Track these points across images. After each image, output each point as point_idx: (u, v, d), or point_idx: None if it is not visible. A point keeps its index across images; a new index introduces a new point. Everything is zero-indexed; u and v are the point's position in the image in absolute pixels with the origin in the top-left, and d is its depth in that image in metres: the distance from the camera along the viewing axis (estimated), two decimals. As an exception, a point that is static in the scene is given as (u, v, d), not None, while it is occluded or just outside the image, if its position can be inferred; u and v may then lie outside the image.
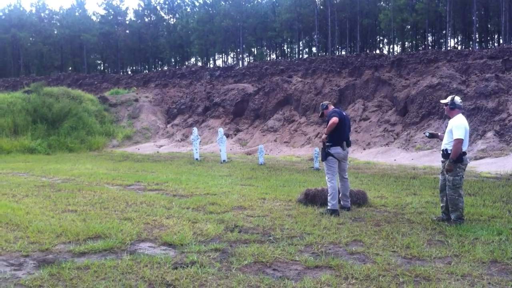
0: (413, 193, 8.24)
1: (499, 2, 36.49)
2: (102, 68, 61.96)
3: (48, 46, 54.30)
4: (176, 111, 28.51)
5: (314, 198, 6.86)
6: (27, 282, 3.55)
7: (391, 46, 47.82)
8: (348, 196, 6.61)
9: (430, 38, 45.67)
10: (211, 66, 44.39)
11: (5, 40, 52.89)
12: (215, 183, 9.37)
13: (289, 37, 49.41)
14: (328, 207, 6.22)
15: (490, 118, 16.96)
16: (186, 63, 53.77)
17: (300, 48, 52.55)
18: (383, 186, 9.23)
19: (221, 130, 17.05)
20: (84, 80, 36.72)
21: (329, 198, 6.25)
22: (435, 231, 5.28)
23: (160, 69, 51.86)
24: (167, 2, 60.98)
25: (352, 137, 18.65)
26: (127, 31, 58.36)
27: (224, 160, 15.80)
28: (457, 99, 5.84)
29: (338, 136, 6.38)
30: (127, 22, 60.01)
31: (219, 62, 56.36)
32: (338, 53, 46.53)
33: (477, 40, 41.03)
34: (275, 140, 22.19)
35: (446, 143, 5.71)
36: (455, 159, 5.50)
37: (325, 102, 6.90)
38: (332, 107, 6.82)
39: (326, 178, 6.43)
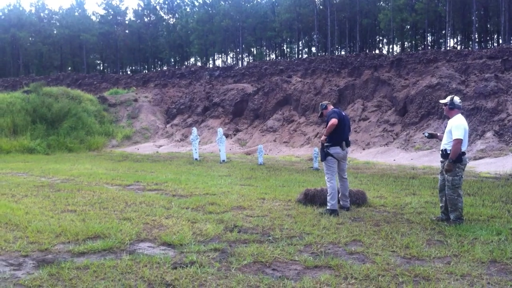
0: (413, 193, 8.24)
1: (498, 2, 36.51)
2: (101, 68, 61.95)
3: (47, 46, 54.27)
4: (176, 111, 28.50)
5: (314, 198, 6.86)
6: (26, 282, 3.55)
7: (391, 46, 47.89)
8: (347, 196, 6.61)
9: (429, 38, 45.74)
10: (211, 66, 44.42)
11: (4, 40, 52.83)
12: (214, 183, 9.37)
13: (288, 37, 49.41)
14: (328, 207, 6.22)
15: (490, 118, 16.97)
16: (186, 63, 53.77)
17: (300, 48, 52.60)
18: (382, 186, 9.24)
19: (220, 130, 17.05)
20: (84, 80, 36.69)
21: (328, 198, 6.25)
22: (434, 231, 5.28)
23: (159, 69, 51.88)
24: (166, 2, 60.99)
25: (352, 137, 18.65)
26: (127, 31, 58.36)
27: (223, 160, 15.79)
28: (457, 99, 5.84)
29: (338, 136, 6.38)
30: (127, 22, 60.00)
31: (218, 62, 56.47)
32: (338, 53, 46.53)
33: (477, 40, 41.05)
34: (274, 140, 22.18)
35: (446, 143, 5.72)
36: (455, 159, 5.50)
37: (325, 102, 6.90)
38: (332, 107, 6.82)
39: (326, 178, 6.44)
